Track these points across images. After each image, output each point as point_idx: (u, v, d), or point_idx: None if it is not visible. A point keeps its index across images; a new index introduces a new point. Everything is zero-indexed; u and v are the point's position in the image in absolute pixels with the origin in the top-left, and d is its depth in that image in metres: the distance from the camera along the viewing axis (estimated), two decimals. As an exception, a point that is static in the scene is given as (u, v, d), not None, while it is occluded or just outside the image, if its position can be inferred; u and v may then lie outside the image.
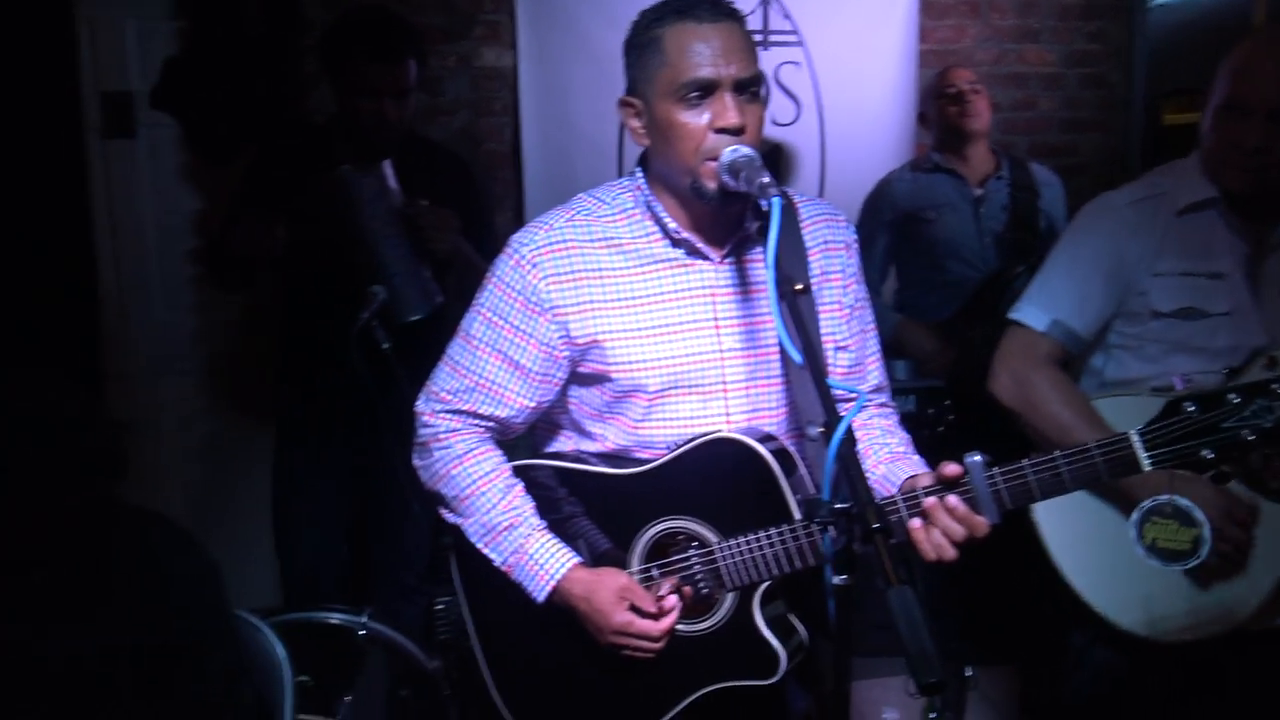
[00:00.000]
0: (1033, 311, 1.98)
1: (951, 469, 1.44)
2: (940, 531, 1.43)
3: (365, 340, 2.26)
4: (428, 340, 2.37)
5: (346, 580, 2.89)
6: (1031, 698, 3.01)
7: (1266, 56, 1.82)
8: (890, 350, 3.19)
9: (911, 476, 1.56)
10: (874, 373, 1.78)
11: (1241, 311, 1.87)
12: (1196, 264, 1.88)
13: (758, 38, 3.80)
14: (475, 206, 2.76)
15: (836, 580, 1.21)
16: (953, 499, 1.42)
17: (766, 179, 1.43)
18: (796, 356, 1.33)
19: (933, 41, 4.00)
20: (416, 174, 2.50)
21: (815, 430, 1.27)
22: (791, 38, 3.84)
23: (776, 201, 1.37)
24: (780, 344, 1.58)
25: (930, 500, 1.44)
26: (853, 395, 1.64)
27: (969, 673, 3.23)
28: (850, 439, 1.23)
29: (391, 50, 2.52)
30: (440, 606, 2.79)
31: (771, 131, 3.85)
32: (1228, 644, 1.87)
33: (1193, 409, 1.31)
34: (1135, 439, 1.36)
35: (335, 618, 2.38)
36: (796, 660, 1.60)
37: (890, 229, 3.33)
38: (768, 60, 3.82)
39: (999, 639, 3.17)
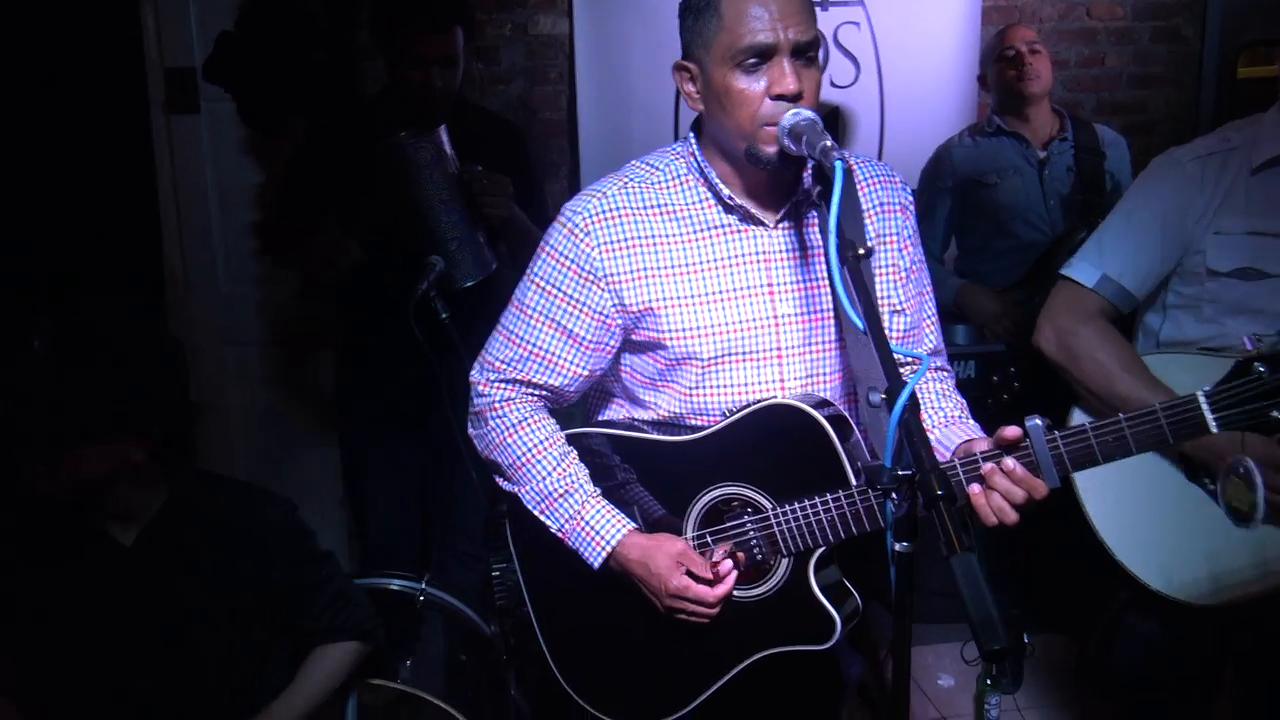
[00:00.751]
0: (1083, 267, 1.95)
1: (1011, 431, 1.41)
2: (1000, 495, 1.41)
3: (424, 310, 2.27)
4: (485, 310, 2.39)
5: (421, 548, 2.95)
6: (1086, 665, 2.97)
7: None
8: (952, 315, 3.16)
9: (967, 441, 1.54)
10: (930, 336, 1.76)
11: None
12: (1265, 223, 1.81)
13: (815, -2, 3.73)
14: (527, 174, 2.77)
15: (898, 547, 1.19)
16: (1010, 461, 1.40)
17: (829, 143, 1.40)
18: (859, 322, 1.31)
19: (997, -2, 3.89)
20: (469, 141, 2.51)
21: (878, 397, 1.25)
22: (851, -3, 3.76)
23: (840, 165, 1.34)
24: (837, 309, 1.57)
25: (989, 465, 1.42)
26: (915, 360, 1.61)
27: (1026, 640, 3.22)
28: (914, 405, 1.21)
29: (437, 19, 2.52)
30: (496, 573, 2.83)
31: (830, 94, 3.78)
32: (1267, 609, 1.84)
33: (1263, 369, 1.27)
34: (1202, 400, 1.33)
35: (395, 584, 2.42)
36: (851, 625, 1.59)
37: (951, 195, 3.27)
38: (826, 21, 3.75)
39: (1055, 607, 3.14)
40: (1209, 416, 1.32)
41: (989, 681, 2.98)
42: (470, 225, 2.40)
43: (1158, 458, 1.84)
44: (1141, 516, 1.87)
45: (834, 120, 3.79)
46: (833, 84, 3.77)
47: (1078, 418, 1.96)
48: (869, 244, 1.56)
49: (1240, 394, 1.29)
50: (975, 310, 3.14)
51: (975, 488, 1.43)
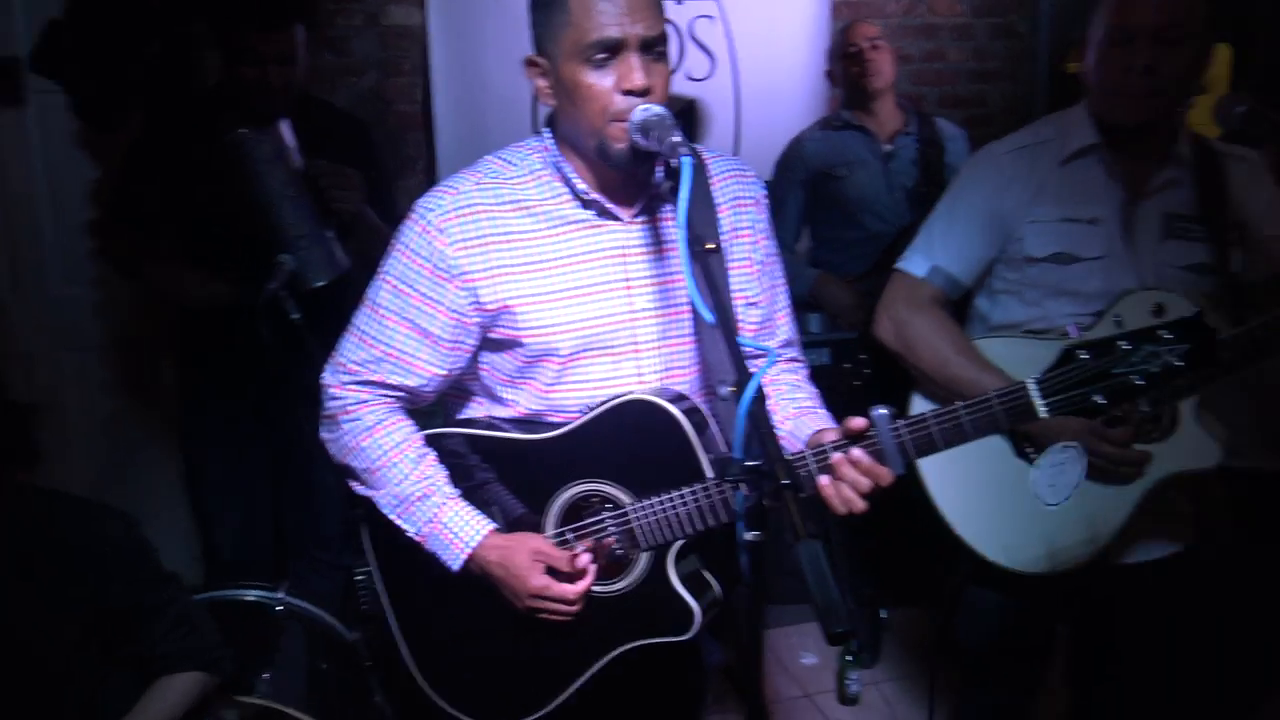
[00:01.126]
0: (915, 259, 2.05)
1: (858, 422, 1.46)
2: (848, 485, 1.45)
3: (273, 311, 2.20)
4: (338, 310, 2.32)
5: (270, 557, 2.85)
6: (940, 637, 3.11)
7: None
8: (808, 305, 3.24)
9: (817, 431, 1.58)
10: (783, 327, 1.80)
11: (1114, 255, 1.92)
12: (1074, 210, 1.93)
13: (670, -8, 3.76)
14: (376, 171, 2.70)
15: (749, 536, 1.22)
16: (856, 451, 1.45)
17: (678, 138, 1.41)
18: (709, 316, 1.33)
19: (845, -7, 4.00)
20: (313, 137, 2.43)
21: (726, 389, 1.28)
22: (705, -9, 3.81)
23: (687, 160, 1.36)
24: (692, 303, 1.59)
25: (836, 455, 1.46)
26: (763, 352, 1.64)
27: (884, 615, 3.35)
28: (761, 397, 1.23)
29: (275, 16, 2.43)
30: (360, 577, 2.75)
31: (686, 87, 3.83)
32: (1096, 577, 1.96)
33: (1086, 356, 1.33)
34: (1032, 387, 1.39)
35: (251, 594, 2.35)
36: (711, 615, 1.62)
37: (803, 187, 3.34)
38: (681, 14, 3.78)
39: (911, 581, 3.27)
40: (1038, 403, 1.39)
41: (849, 658, 3.11)
42: (318, 222, 2.33)
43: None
44: (977, 492, 1.97)
45: (691, 113, 3.84)
46: (689, 77, 3.81)
47: (917, 402, 2.04)
48: (721, 238, 1.60)
49: (1065, 380, 1.35)
50: (830, 300, 3.23)
51: (824, 479, 1.47)
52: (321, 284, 2.30)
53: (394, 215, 2.70)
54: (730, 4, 3.82)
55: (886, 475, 1.45)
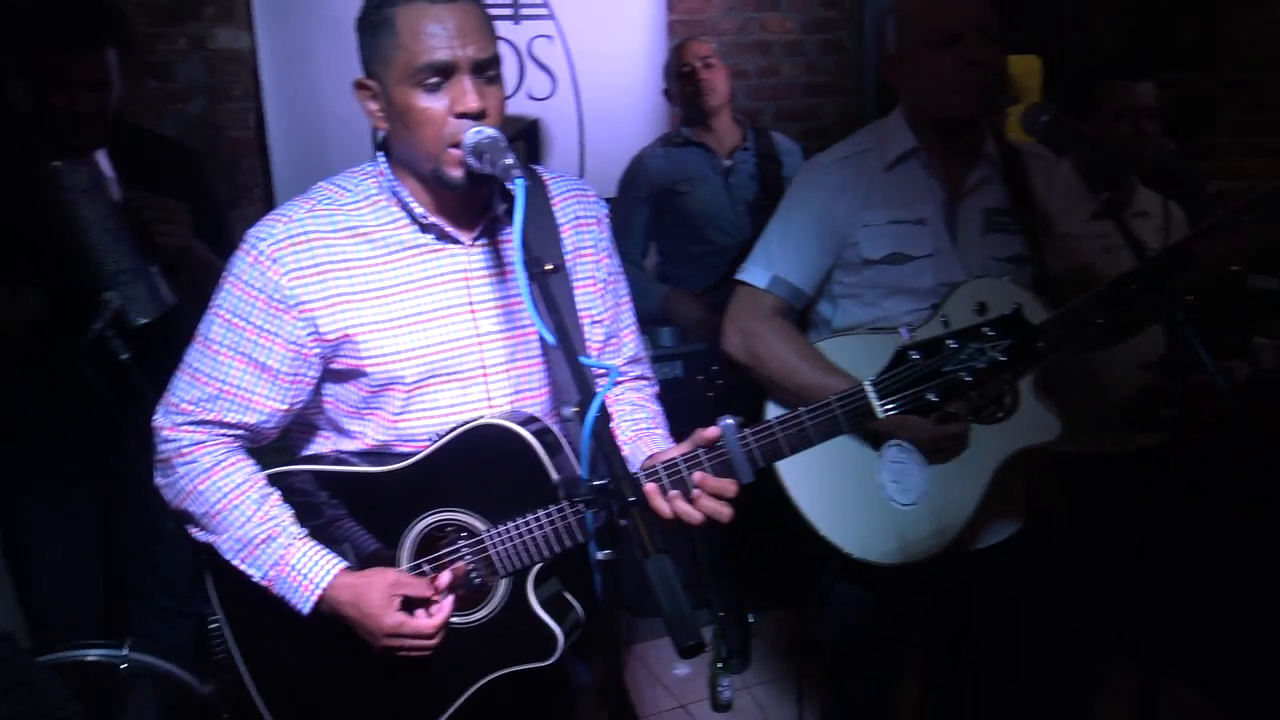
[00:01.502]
0: (755, 270, 2.09)
1: (710, 432, 1.48)
2: (708, 498, 1.46)
3: (99, 352, 2.08)
4: (169, 348, 2.22)
5: (106, 612, 2.68)
6: (808, 636, 3.18)
7: None
8: (659, 319, 3.29)
9: (650, 456, 1.57)
10: (629, 344, 1.81)
11: (942, 252, 2.02)
12: (902, 212, 2.02)
13: (507, 11, 3.75)
14: (205, 201, 2.57)
15: (600, 555, 1.22)
16: (699, 475, 1.46)
17: (510, 160, 1.41)
18: (550, 337, 1.33)
19: (680, 11, 4.07)
20: (134, 168, 2.30)
21: (569, 410, 1.28)
22: (542, 11, 3.82)
23: (520, 183, 1.35)
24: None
25: (696, 490, 1.46)
26: (605, 370, 1.65)
27: (751, 619, 3.41)
28: (605, 415, 1.24)
29: (82, 38, 2.29)
30: (214, 625, 2.61)
31: (528, 107, 3.83)
32: (950, 565, 2.04)
33: (917, 356, 1.39)
34: (869, 389, 1.44)
35: (93, 654, 2.21)
36: (574, 637, 1.61)
37: (647, 204, 3.39)
38: (519, 35, 3.79)
39: (776, 584, 3.33)
40: (876, 404, 1.43)
41: (720, 665, 3.14)
42: (140, 257, 2.21)
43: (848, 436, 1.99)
44: (834, 487, 2.03)
45: (535, 133, 3.84)
46: (530, 97, 3.82)
47: (771, 409, 2.09)
48: (562, 258, 1.60)
49: (900, 381, 1.40)
50: (680, 314, 3.27)
51: (680, 503, 1.47)
52: (145, 321, 2.19)
53: (229, 246, 2.58)
54: (568, 24, 3.85)
55: (731, 488, 1.46)
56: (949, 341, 1.37)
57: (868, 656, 2.25)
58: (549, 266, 1.37)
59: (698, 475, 1.46)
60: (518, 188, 1.34)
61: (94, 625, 2.57)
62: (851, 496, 2.02)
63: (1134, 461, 2.51)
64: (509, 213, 1.56)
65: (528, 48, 3.81)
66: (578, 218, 1.71)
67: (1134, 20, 4.84)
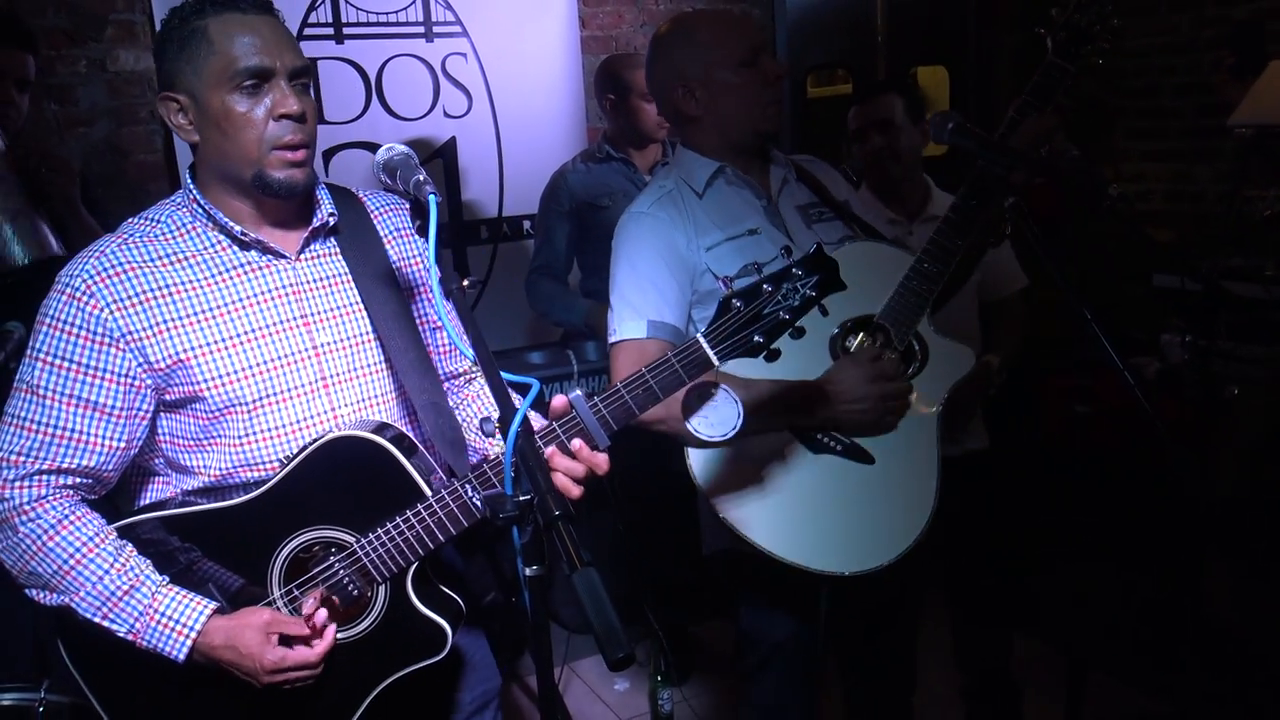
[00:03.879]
0: (628, 326, 1.99)
1: (559, 401, 1.49)
2: (562, 474, 1.48)
3: (3, 383, 1.99)
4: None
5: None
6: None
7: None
8: (583, 334, 3.28)
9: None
10: (468, 349, 1.80)
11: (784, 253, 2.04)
12: (734, 228, 2.03)
13: (420, 30, 3.73)
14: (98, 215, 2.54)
15: (529, 572, 1.21)
16: (578, 442, 1.48)
17: (422, 177, 1.42)
18: (469, 353, 1.33)
19: (594, 28, 4.10)
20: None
21: (491, 425, 1.27)
22: (455, 29, 3.81)
23: (434, 198, 1.36)
24: (379, 331, 1.62)
25: (550, 448, 1.48)
26: (529, 383, 1.64)
27: (690, 631, 3.41)
28: (529, 430, 1.23)
29: (19, 36, 2.35)
30: (42, 707, 2.32)
31: (446, 124, 3.81)
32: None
33: (739, 304, 1.46)
34: (702, 339, 1.49)
35: (7, 698, 2.09)
36: (458, 627, 1.61)
37: (569, 219, 3.37)
38: (434, 53, 3.77)
39: (715, 596, 3.33)
40: (709, 352, 1.48)
41: (659, 678, 3.13)
42: (25, 201, 2.14)
43: (780, 443, 1.94)
44: (803, 520, 1.94)
45: (452, 150, 3.82)
46: (447, 114, 3.80)
47: (693, 456, 1.97)
48: (394, 269, 1.64)
49: (727, 328, 1.47)
50: (604, 328, 3.26)
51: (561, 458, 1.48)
52: (28, 261, 2.11)
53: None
54: (481, 42, 3.84)
55: (603, 463, 1.49)
56: (765, 285, 1.45)
57: (779, 669, 2.19)
58: (465, 283, 1.37)
59: (575, 442, 1.48)
60: (432, 203, 1.35)
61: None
62: (799, 505, 1.93)
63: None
64: (331, 225, 1.62)
65: (442, 66, 3.79)
66: (397, 229, 1.73)
67: (1033, 29, 5.00)
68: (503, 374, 1.29)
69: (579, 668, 3.48)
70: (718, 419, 1.77)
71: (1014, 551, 2.71)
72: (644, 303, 1.98)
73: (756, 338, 1.45)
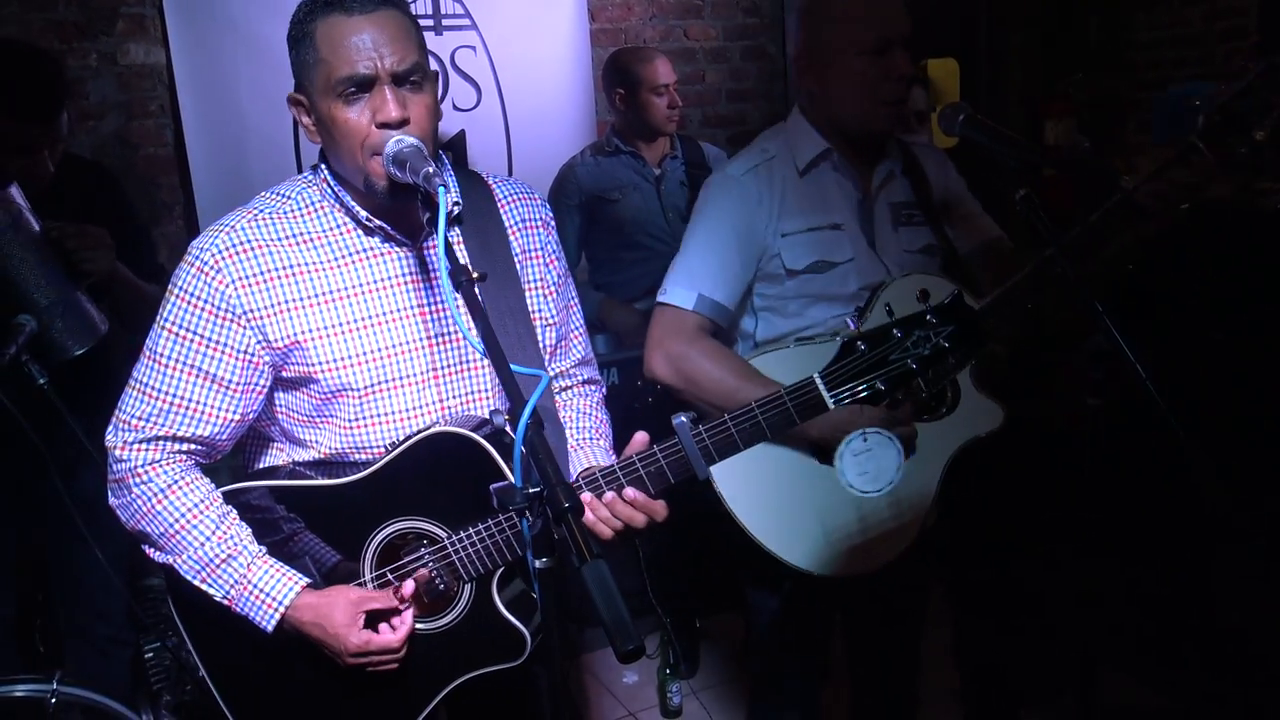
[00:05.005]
0: (679, 292, 1.98)
1: (639, 438, 1.49)
2: (624, 521, 1.49)
3: (15, 377, 2.01)
4: (92, 370, 2.14)
5: (25, 645, 2.58)
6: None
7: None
8: (593, 327, 3.28)
9: (586, 469, 1.57)
10: (578, 346, 1.81)
11: (862, 255, 2.00)
12: (818, 218, 1.99)
13: (429, 23, 3.73)
14: (126, 221, 2.50)
15: (538, 564, 1.21)
16: (630, 491, 1.48)
17: (432, 168, 1.40)
18: (477, 345, 1.32)
19: (603, 20, 4.09)
20: (50, 193, 2.25)
21: (501, 418, 1.27)
22: (464, 22, 3.80)
23: (442, 190, 1.35)
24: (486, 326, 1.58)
25: (610, 495, 1.48)
26: (538, 375, 1.65)
27: (699, 624, 3.41)
28: (538, 422, 1.23)
29: (48, 106, 2.28)
30: (150, 654, 2.55)
31: (455, 117, 3.81)
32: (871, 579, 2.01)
33: (864, 347, 1.40)
34: (819, 381, 1.44)
35: (20, 689, 2.11)
36: (540, 638, 1.60)
37: (579, 212, 3.38)
38: (443, 46, 3.76)
39: (725, 588, 3.33)
40: (825, 395, 1.44)
41: (668, 671, 3.14)
42: (68, 287, 2.14)
43: (792, 451, 1.95)
44: (783, 506, 1.97)
45: (462, 143, 3.82)
46: (455, 108, 3.80)
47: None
48: (514, 261, 1.63)
49: (848, 371, 1.42)
50: (615, 322, 3.28)
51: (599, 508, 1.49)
52: (82, 351, 2.12)
53: (153, 264, 2.53)
54: (490, 35, 3.84)
55: (660, 510, 1.49)
56: (895, 330, 1.38)
57: (787, 661, 2.21)
58: (476, 275, 1.36)
59: (629, 492, 1.48)
60: (440, 195, 1.34)
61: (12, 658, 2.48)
62: (800, 510, 1.96)
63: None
64: (430, 221, 1.55)
65: (451, 59, 3.79)
66: (525, 220, 1.71)
67: (1045, 23, 4.98)
68: (512, 366, 1.29)
69: (587, 660, 3.49)
70: (875, 469, 1.82)
71: (1014, 543, 2.70)
72: (703, 273, 1.98)
73: (879, 385, 1.40)
